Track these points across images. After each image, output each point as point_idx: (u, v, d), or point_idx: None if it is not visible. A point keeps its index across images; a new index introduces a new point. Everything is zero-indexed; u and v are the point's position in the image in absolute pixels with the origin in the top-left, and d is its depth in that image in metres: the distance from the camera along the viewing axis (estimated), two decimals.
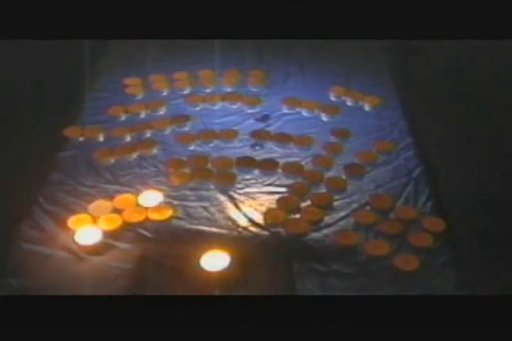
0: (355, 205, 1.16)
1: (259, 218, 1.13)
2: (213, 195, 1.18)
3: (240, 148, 1.31)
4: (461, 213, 1.13)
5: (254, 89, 1.50)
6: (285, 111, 1.43)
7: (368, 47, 1.61)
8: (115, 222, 1.10)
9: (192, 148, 1.31)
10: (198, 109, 1.44)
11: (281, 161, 1.27)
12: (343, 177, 1.23)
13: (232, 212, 1.14)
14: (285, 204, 1.16)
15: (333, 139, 1.33)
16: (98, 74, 1.55)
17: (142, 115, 1.41)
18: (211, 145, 1.32)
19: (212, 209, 1.14)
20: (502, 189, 1.19)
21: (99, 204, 1.14)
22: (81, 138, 1.32)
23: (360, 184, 1.21)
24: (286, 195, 1.18)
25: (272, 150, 1.30)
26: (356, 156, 1.28)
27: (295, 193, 1.18)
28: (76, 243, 1.05)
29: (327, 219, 1.12)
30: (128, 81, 1.52)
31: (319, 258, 1.04)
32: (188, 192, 1.19)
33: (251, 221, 1.12)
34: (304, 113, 1.42)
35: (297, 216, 1.13)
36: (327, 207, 1.15)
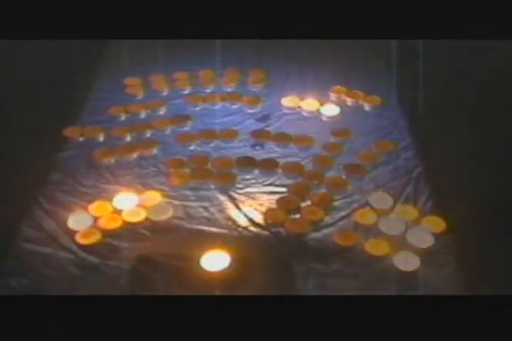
0: (355, 205, 1.16)
1: (259, 218, 1.13)
2: (213, 195, 1.18)
3: (239, 148, 1.31)
4: (461, 213, 1.13)
5: (254, 89, 1.50)
6: (285, 111, 1.43)
7: (368, 47, 1.61)
8: (115, 222, 1.10)
9: (192, 148, 1.31)
10: (198, 109, 1.44)
11: (281, 161, 1.27)
12: (343, 177, 1.23)
13: (232, 212, 1.14)
14: (285, 204, 1.15)
15: (333, 139, 1.33)
16: (98, 74, 1.55)
17: (142, 115, 1.41)
18: (211, 145, 1.32)
19: (212, 209, 1.14)
20: (502, 189, 1.19)
21: (99, 204, 1.14)
22: (81, 138, 1.32)
23: (360, 184, 1.21)
24: (286, 195, 1.18)
25: (272, 150, 1.30)
26: (356, 156, 1.28)
27: (295, 193, 1.18)
28: (76, 243, 1.05)
29: (327, 219, 1.12)
30: (128, 81, 1.52)
31: (319, 258, 1.04)
32: (188, 192, 1.19)
33: (251, 221, 1.12)
34: (304, 113, 1.43)
35: (297, 216, 1.13)
36: (327, 207, 1.15)
